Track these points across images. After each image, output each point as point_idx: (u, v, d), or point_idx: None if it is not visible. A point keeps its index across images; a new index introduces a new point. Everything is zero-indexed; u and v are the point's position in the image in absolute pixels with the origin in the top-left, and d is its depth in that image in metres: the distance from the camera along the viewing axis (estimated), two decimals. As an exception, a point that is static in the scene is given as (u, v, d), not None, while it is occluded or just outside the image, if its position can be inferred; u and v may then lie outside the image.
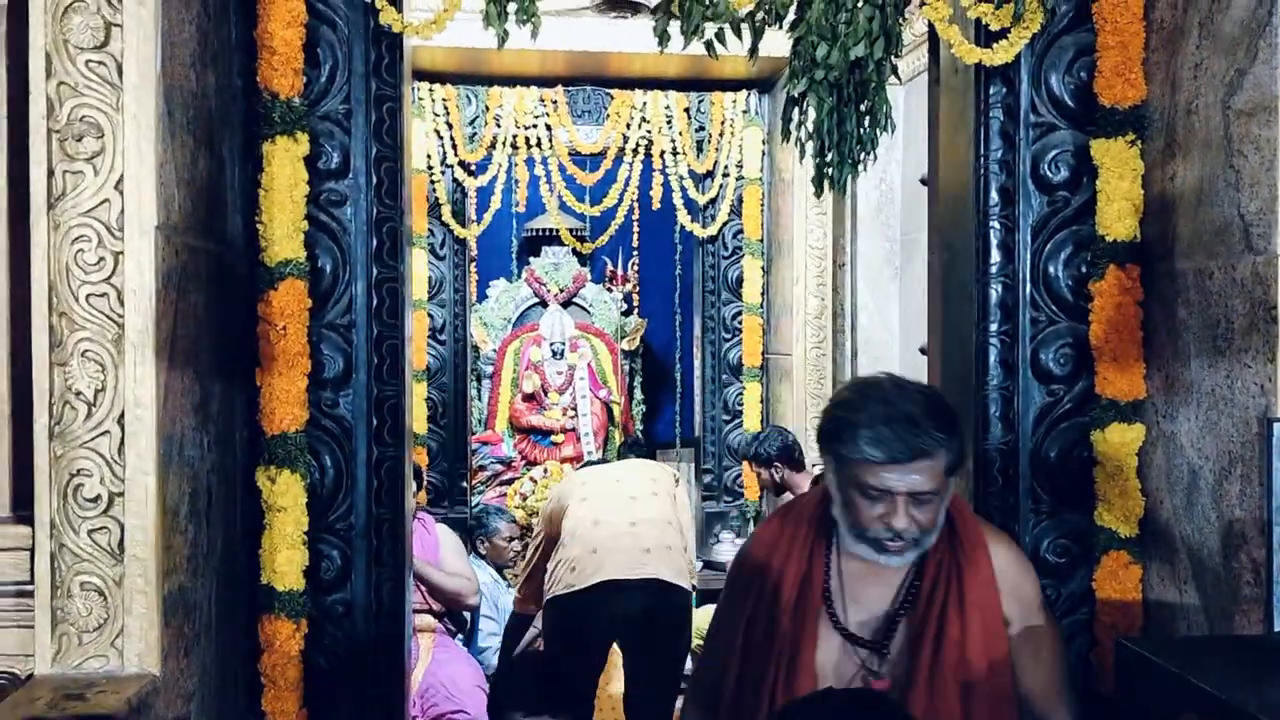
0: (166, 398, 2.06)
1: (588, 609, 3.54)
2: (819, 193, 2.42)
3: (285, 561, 2.44)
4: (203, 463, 2.25)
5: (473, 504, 6.55)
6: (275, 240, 2.43)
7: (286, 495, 2.45)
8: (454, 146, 5.85)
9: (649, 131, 5.96)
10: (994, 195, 2.54)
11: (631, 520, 3.67)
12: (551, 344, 7.89)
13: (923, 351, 4.30)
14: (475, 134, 5.90)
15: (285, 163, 2.42)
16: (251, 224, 2.46)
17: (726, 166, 5.93)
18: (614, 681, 3.84)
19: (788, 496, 4.44)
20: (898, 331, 5.09)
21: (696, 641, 4.42)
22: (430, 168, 5.82)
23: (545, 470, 7.27)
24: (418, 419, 5.70)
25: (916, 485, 1.65)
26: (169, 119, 2.09)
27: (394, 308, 2.60)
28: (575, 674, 3.62)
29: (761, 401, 5.88)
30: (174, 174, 2.11)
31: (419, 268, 5.71)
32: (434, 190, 5.86)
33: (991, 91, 2.53)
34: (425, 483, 5.63)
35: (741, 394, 5.99)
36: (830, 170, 2.39)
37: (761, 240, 5.90)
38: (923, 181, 3.81)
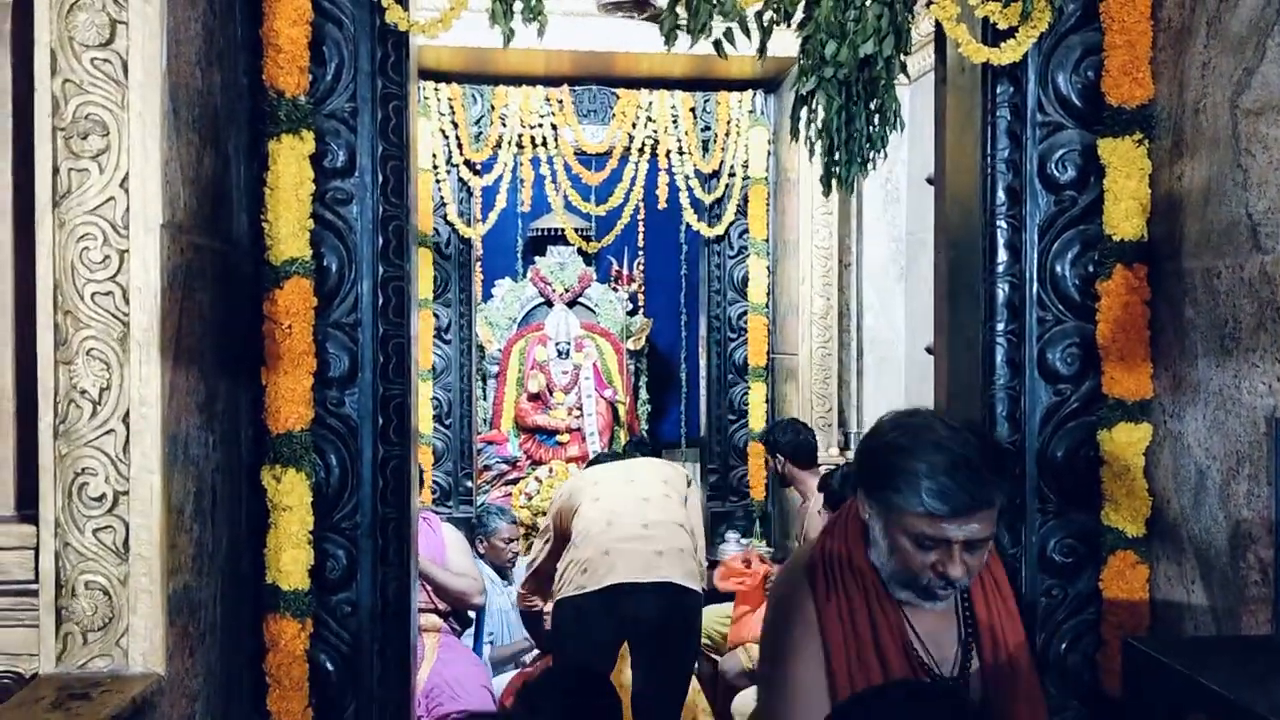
0: (171, 396, 2.06)
1: (599, 610, 3.54)
2: (827, 191, 2.41)
3: (290, 561, 2.44)
4: (207, 461, 2.25)
5: (478, 503, 6.55)
6: (280, 239, 2.43)
7: (292, 494, 2.44)
8: (459, 146, 5.85)
9: (655, 131, 5.96)
10: (1001, 194, 2.53)
11: (644, 522, 3.66)
12: (557, 344, 7.89)
13: (929, 351, 4.29)
14: (481, 133, 5.89)
15: (291, 161, 2.42)
16: (257, 222, 2.46)
17: (732, 166, 5.92)
18: (624, 672, 3.86)
19: (808, 512, 4.42)
20: (904, 331, 5.08)
21: (705, 642, 4.42)
22: (436, 167, 5.82)
23: (550, 470, 7.27)
24: (423, 418, 5.69)
25: (975, 534, 1.61)
26: (174, 117, 2.08)
27: (399, 306, 2.59)
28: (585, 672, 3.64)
29: (767, 401, 5.87)
30: (179, 172, 2.11)
31: (424, 267, 5.70)
32: (439, 189, 5.86)
33: (998, 90, 2.52)
34: (424, 482, 5.62)
35: (747, 394, 5.98)
36: (839, 169, 2.38)
37: (767, 240, 5.89)
38: (929, 181, 3.80)
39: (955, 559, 1.61)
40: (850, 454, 5.38)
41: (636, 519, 3.68)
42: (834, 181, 2.39)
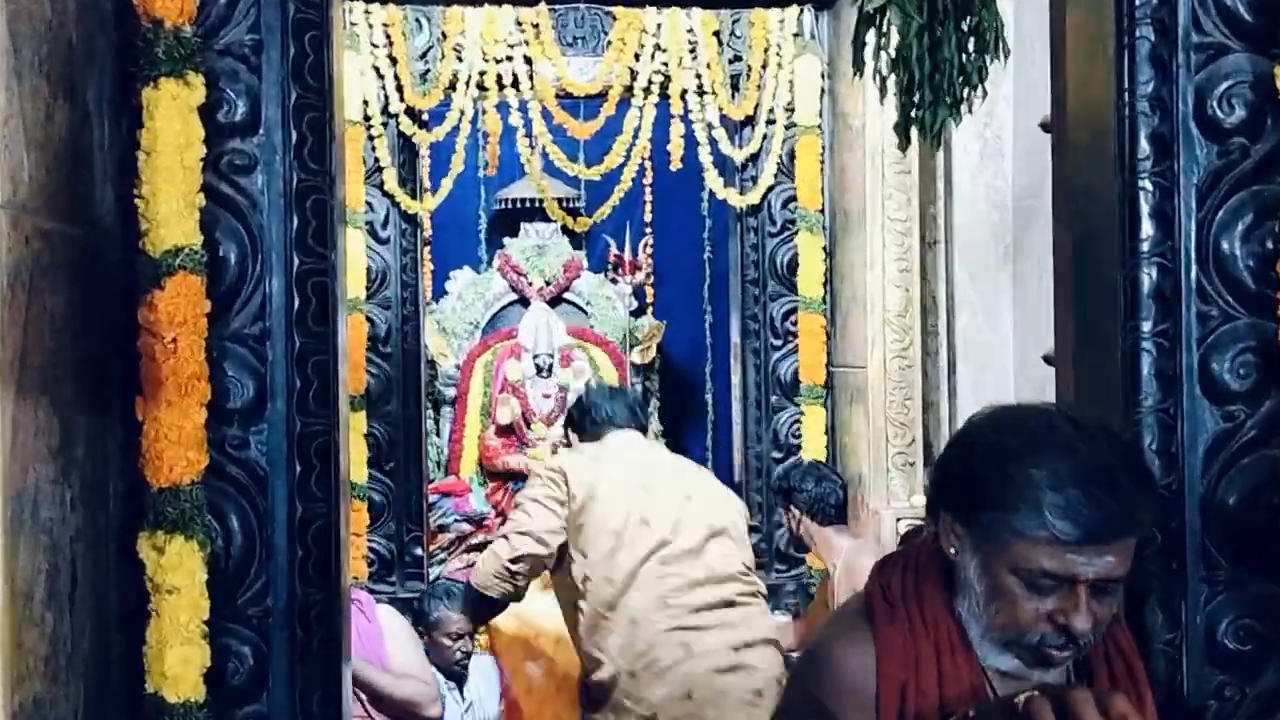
0: (15, 438, 2.06)
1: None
2: (904, 144, 2.42)
3: (179, 661, 2.44)
4: (64, 527, 2.25)
5: (432, 577, 6.56)
6: (160, 221, 2.44)
7: (179, 570, 2.45)
8: (400, 88, 5.87)
9: (665, 64, 5.98)
10: (1144, 145, 2.54)
11: (735, 642, 3.69)
12: (536, 356, 7.89)
13: (1048, 361, 4.29)
14: (429, 71, 5.92)
15: (173, 115, 2.43)
16: (128, 198, 2.47)
17: (773, 111, 5.94)
18: None
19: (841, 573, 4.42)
20: (1011, 333, 5.08)
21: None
22: (368, 118, 5.84)
23: (529, 530, 7.29)
24: (355, 462, 5.70)
25: (1109, 571, 1.60)
26: (12, 56, 2.10)
27: (322, 311, 2.60)
28: None
29: (826, 431, 5.87)
30: (20, 132, 2.12)
31: (354, 255, 5.73)
32: (373, 149, 5.89)
33: (1138, 1, 2.52)
34: (358, 551, 5.63)
35: (798, 422, 5.98)
36: (920, 114, 2.39)
37: (822, 211, 5.91)
38: (1044, 127, 3.81)
39: (1081, 606, 1.60)
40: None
41: (725, 640, 3.71)
42: (914, 131, 2.39)
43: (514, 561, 3.96)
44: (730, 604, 3.76)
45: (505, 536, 4.13)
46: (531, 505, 4.04)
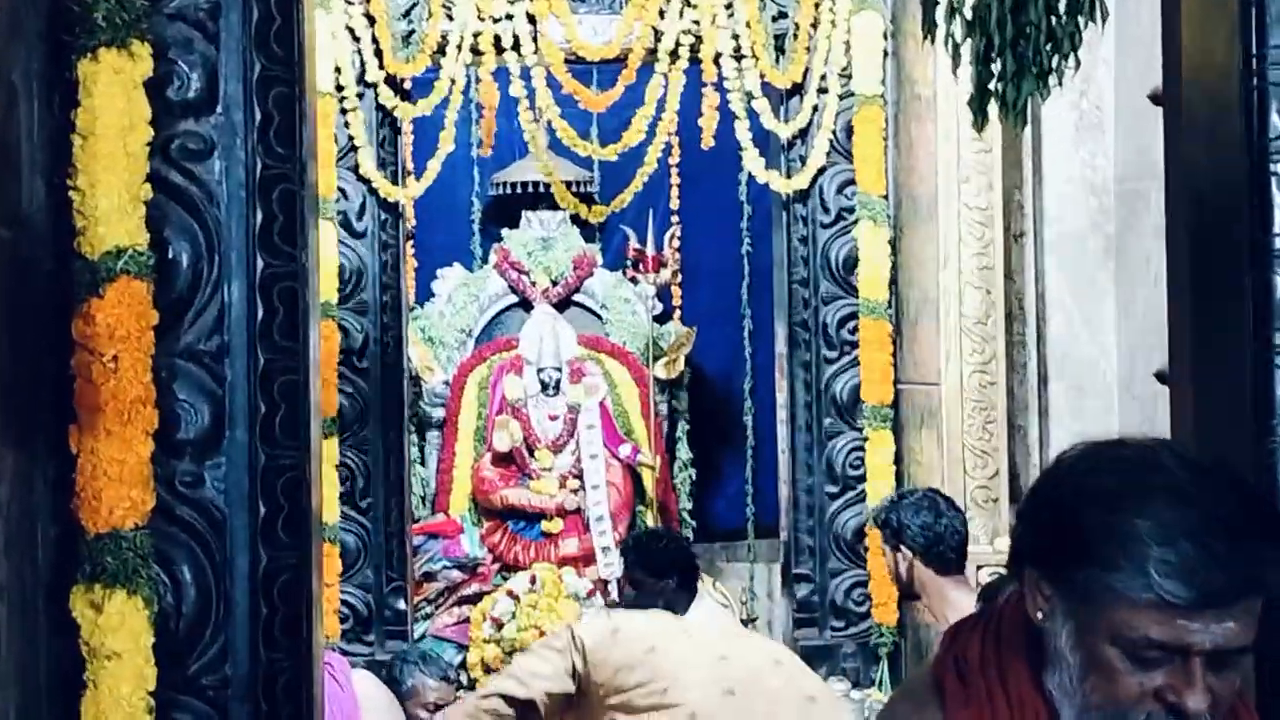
0: (-72, 477, 2.07)
1: None
2: (980, 124, 2.42)
3: (121, 741, 2.44)
4: (-14, 581, 2.26)
5: (416, 635, 6.55)
6: (99, 218, 2.45)
7: (120, 632, 2.45)
8: (378, 53, 5.90)
9: (696, 22, 5.99)
10: (1275, 120, 2.53)
11: None
12: (540, 371, 7.90)
13: (1160, 378, 4.27)
14: (413, 32, 5.94)
15: (114, 92, 2.44)
16: (61, 192, 2.48)
17: (825, 78, 5.94)
18: None
19: (943, 621, 4.40)
20: (1114, 344, 5.07)
21: None
22: (340, 89, 5.87)
23: (534, 580, 7.28)
24: (325, 500, 5.71)
25: (1229, 640, 1.56)
26: (-72, 25, 2.11)
27: (291, 321, 2.62)
28: None
29: (897, 461, 5.86)
30: (-64, 114, 2.13)
31: (323, 253, 5.74)
32: (346, 125, 5.91)
33: (1267, -51, 2.52)
34: (329, 605, 5.64)
35: (860, 449, 5.96)
36: (1001, 86, 2.39)
37: (885, 197, 5.90)
38: (1154, 99, 3.80)
39: (1196, 681, 1.57)
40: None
41: None
42: (993, 106, 2.39)
43: (482, 699, 4.14)
44: None
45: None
46: (532, 650, 4.27)
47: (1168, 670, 1.57)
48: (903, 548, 4.29)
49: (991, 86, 2.49)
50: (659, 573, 4.76)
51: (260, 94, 2.58)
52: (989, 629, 1.77)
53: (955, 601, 4.28)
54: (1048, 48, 2.42)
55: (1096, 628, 1.60)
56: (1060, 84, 2.54)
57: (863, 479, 5.94)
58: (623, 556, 4.99)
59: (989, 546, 5.16)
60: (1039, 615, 1.68)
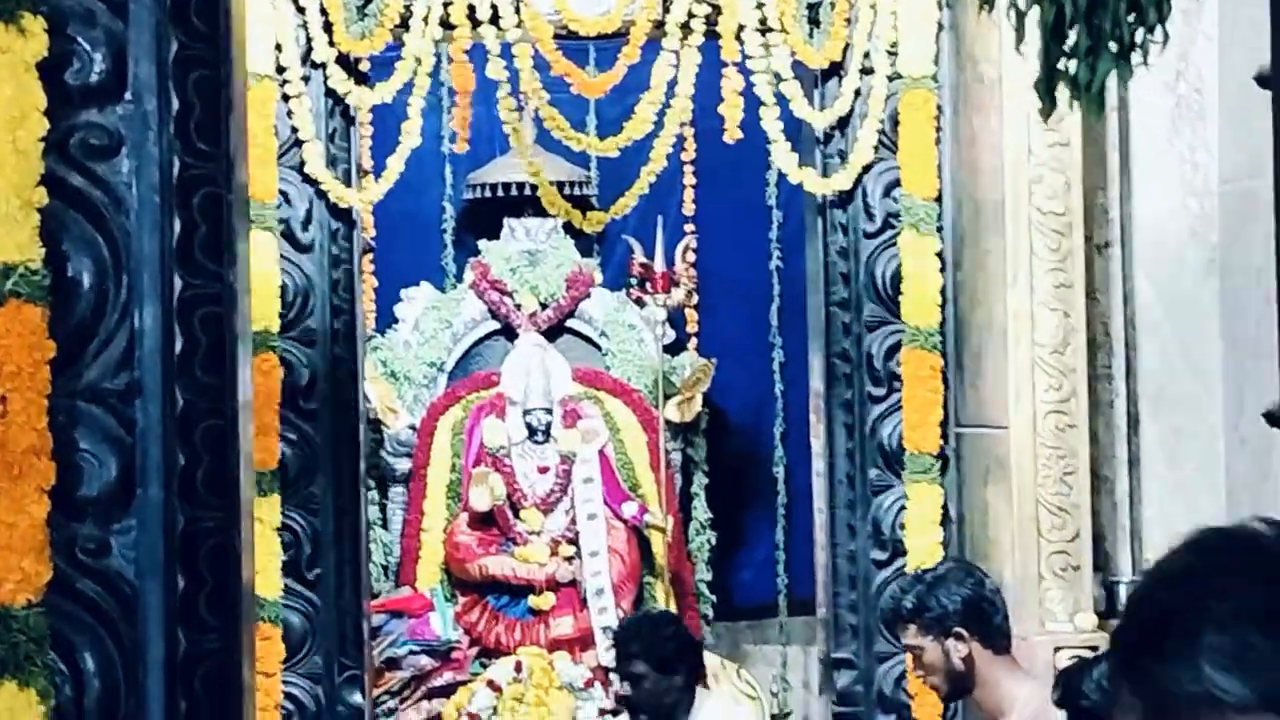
0: None
1: None
2: (1048, 110, 2.42)
3: None
4: None
5: (376, 736, 6.54)
6: (-17, 228, 2.46)
7: (9, 731, 2.46)
8: (328, 27, 5.92)
9: (712, -10, 6.01)
10: (1406, 105, 2.54)
11: None
12: (527, 413, 7.88)
13: (1271, 420, 4.26)
14: (369, 2, 5.96)
15: (1, 76, 2.46)
16: (-64, 197, 2.49)
17: (869, 56, 5.95)
18: None
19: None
20: (1219, 377, 5.06)
21: None
22: (283, 70, 5.89)
23: (519, 668, 7.25)
24: (263, 569, 5.71)
25: None
26: None
27: (215, 353, 2.63)
28: None
29: (945, 522, 5.86)
30: None
31: (260, 269, 5.75)
32: (289, 115, 5.93)
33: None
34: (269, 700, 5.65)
35: (905, 506, 5.96)
36: (1075, 65, 2.39)
37: (939, 200, 5.91)
38: (1260, 81, 3.81)
39: None
40: (1115, 624, 5.32)
41: None
42: (1064, 90, 2.39)
43: None
44: None
45: None
46: None
47: None
48: (954, 634, 4.27)
49: (1062, 66, 2.49)
50: (666, 667, 4.76)
51: (178, 78, 2.60)
52: None
53: (1015, 692, 4.26)
54: (1130, 18, 2.42)
55: None
56: (1145, 62, 2.54)
57: (903, 542, 5.90)
58: (617, 646, 4.98)
59: (1069, 624, 5.14)
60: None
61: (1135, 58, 2.46)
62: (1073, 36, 2.43)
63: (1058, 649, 4.98)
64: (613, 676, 7.12)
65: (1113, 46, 2.41)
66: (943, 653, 4.24)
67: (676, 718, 4.76)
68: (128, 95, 2.59)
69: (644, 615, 5.65)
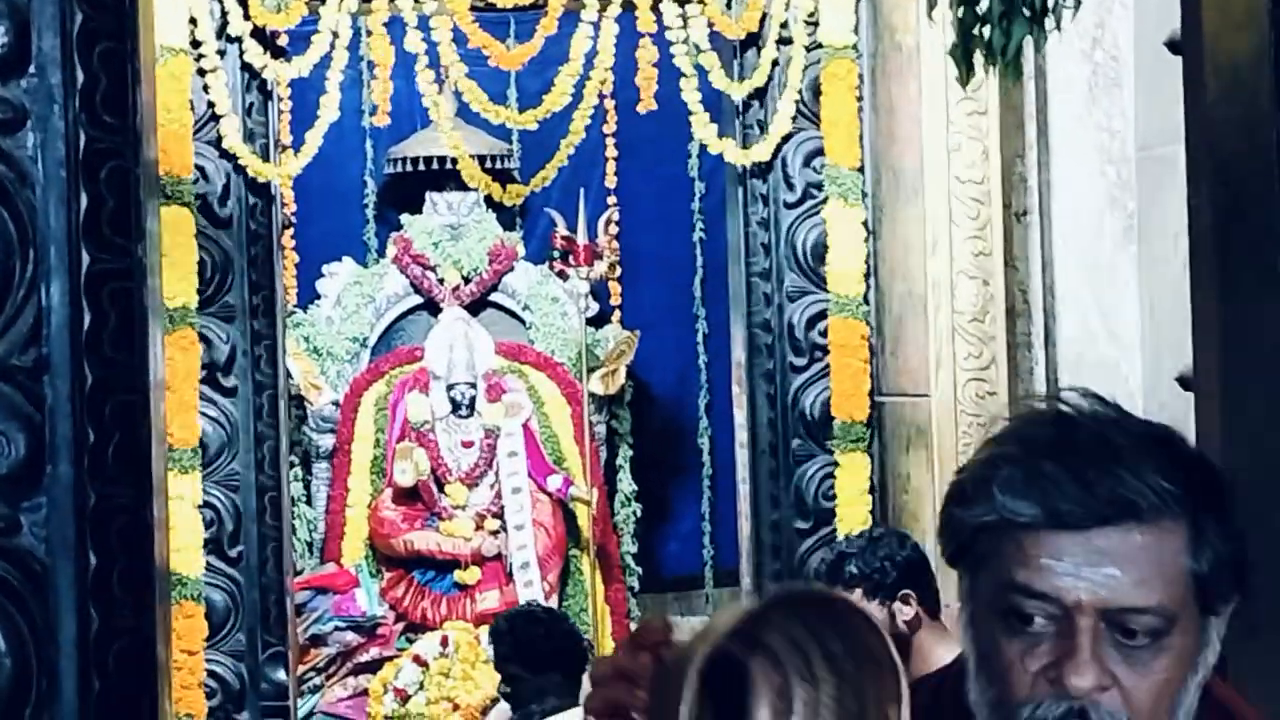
0: None
1: None
2: (965, 77, 2.43)
3: None
4: None
5: (302, 712, 6.52)
6: (-119, 204, 2.43)
7: (-82, 714, 2.43)
8: (243, 2, 5.88)
9: (630, -40, 5.99)
10: (1314, 69, 2.54)
11: None
12: (450, 388, 7.86)
13: (1184, 384, 4.29)
14: (285, -25, 5.93)
15: (-103, 49, 2.42)
16: None
17: (787, 25, 5.96)
18: None
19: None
20: (1138, 341, 5.10)
21: None
22: (198, 44, 5.85)
23: (445, 642, 7.25)
24: (184, 549, 5.69)
25: (1115, 592, 1.58)
26: None
27: (125, 329, 2.60)
28: None
29: (871, 490, 5.89)
30: None
31: (179, 245, 5.72)
32: (205, 89, 5.88)
33: None
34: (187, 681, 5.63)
35: (831, 476, 5.99)
36: (989, 32, 2.39)
37: (860, 170, 5.93)
38: (1173, 47, 3.83)
39: (1078, 650, 1.59)
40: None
41: None
42: (978, 57, 2.40)
43: None
44: None
45: None
46: None
47: (1052, 644, 1.59)
48: (901, 596, 4.27)
49: (977, 32, 2.50)
50: (537, 666, 4.75)
51: (83, 51, 2.57)
52: (948, 675, 1.80)
53: (943, 657, 4.27)
54: (1042, -14, 2.43)
55: (979, 599, 1.65)
56: (1059, 27, 2.55)
57: (833, 512, 5.94)
58: (492, 644, 4.96)
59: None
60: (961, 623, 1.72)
61: (1049, 23, 2.47)
62: (985, 2, 2.43)
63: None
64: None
65: (1025, 11, 2.42)
66: (889, 616, 4.24)
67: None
68: (31, 69, 2.55)
69: (517, 613, 5.61)
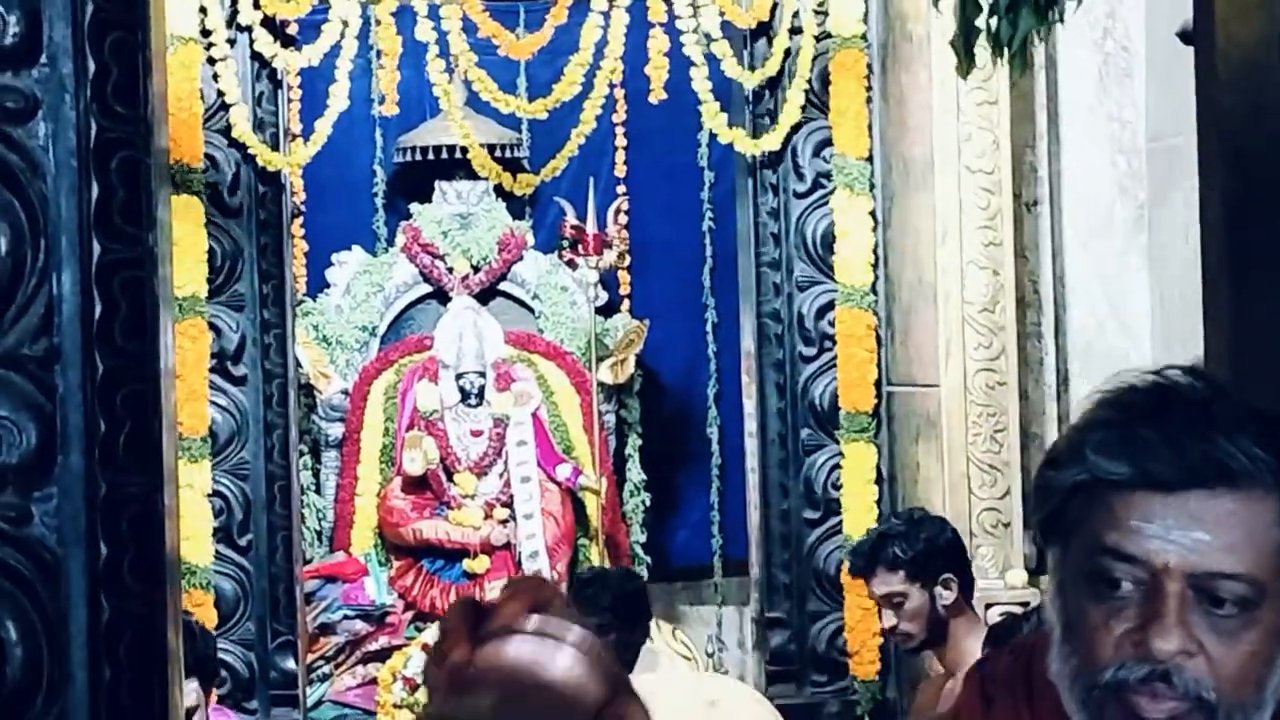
0: None
1: None
2: (966, 68, 2.43)
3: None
4: None
5: (312, 701, 6.53)
6: (-109, 193, 2.43)
7: (-71, 702, 2.43)
8: (254, -10, 5.88)
9: (640, -50, 5.99)
10: (1325, 59, 2.54)
11: None
12: (460, 377, 7.85)
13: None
14: (294, -35, 5.93)
15: (-93, 38, 2.42)
16: None
17: (798, 15, 5.95)
18: None
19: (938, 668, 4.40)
20: (1148, 331, 5.10)
21: None
22: (208, 33, 5.84)
23: (453, 630, 7.19)
24: (194, 537, 5.70)
25: (1204, 555, 1.56)
26: None
27: (137, 318, 2.60)
28: None
29: (878, 481, 5.88)
30: None
31: (189, 234, 5.72)
32: (215, 78, 5.88)
33: None
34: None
35: (838, 466, 5.98)
36: (997, 21, 2.39)
37: (870, 159, 5.92)
38: (1184, 37, 3.82)
39: (1165, 614, 1.58)
40: (1046, 580, 5.38)
41: None
42: (987, 46, 2.40)
43: None
44: None
45: None
46: None
47: (1139, 607, 1.59)
48: (943, 580, 4.27)
49: (981, 22, 2.49)
50: (636, 621, 4.80)
51: (94, 41, 2.57)
52: (1023, 650, 1.81)
53: (972, 648, 4.28)
54: (1050, -26, 2.43)
55: (1068, 567, 1.65)
56: (1061, 19, 2.55)
57: (839, 503, 5.95)
58: (591, 600, 4.96)
59: (999, 580, 5.18)
60: (1048, 598, 1.71)
61: (1054, 16, 2.47)
62: (994, -7, 2.43)
63: (989, 605, 5.01)
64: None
65: (1034, 2, 2.42)
66: (929, 598, 4.24)
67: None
68: (43, 59, 2.55)
69: (605, 570, 5.61)
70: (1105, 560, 1.60)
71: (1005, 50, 2.40)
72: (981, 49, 2.46)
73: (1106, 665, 1.60)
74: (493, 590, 7.31)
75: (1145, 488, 1.59)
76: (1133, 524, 1.58)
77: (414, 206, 7.77)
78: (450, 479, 7.52)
